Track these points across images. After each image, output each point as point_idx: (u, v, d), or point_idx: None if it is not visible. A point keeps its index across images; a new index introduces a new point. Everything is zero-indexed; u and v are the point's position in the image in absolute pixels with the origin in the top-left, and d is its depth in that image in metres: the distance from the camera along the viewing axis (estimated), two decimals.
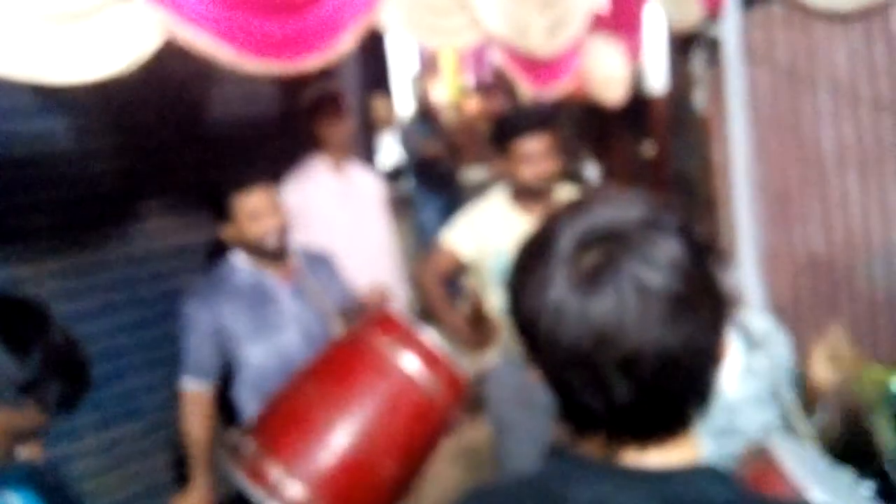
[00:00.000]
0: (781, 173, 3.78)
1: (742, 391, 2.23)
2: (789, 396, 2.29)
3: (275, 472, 2.06)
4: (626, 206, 0.86)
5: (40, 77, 1.65)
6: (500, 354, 2.95)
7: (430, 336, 2.23)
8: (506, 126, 2.81)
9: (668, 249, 0.82)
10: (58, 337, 1.36)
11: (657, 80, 5.25)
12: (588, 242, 0.84)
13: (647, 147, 5.78)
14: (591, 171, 6.47)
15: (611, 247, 0.83)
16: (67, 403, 1.37)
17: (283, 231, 2.51)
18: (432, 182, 5.72)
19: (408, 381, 2.17)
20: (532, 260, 0.88)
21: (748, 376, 2.25)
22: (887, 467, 2.92)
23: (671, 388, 0.83)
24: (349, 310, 2.68)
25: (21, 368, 1.29)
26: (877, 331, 3.49)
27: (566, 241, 0.85)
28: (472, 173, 6.09)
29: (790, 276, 3.72)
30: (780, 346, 2.35)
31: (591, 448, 0.89)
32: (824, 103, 3.60)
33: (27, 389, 1.30)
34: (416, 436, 2.19)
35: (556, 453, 0.95)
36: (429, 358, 2.19)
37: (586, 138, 6.52)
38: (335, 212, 3.38)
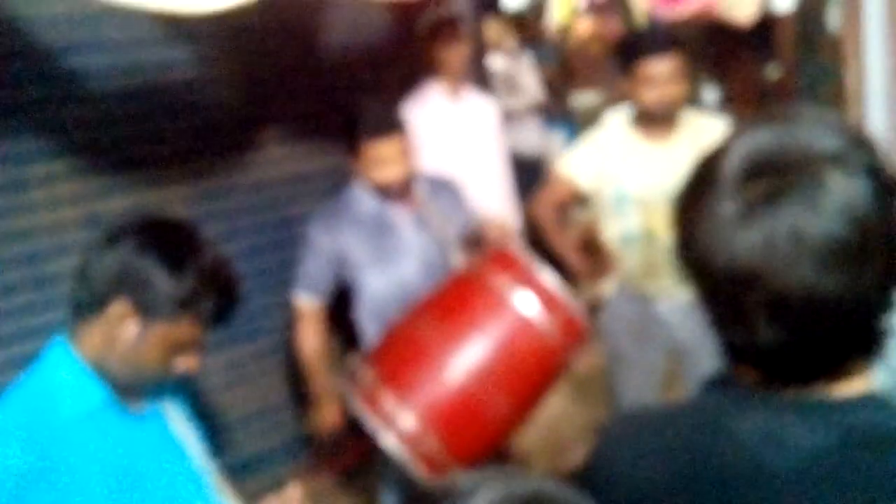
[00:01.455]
0: None
1: None
2: None
3: (389, 402, 2.11)
4: (814, 132, 0.79)
5: (168, 6, 1.67)
6: (616, 286, 2.90)
7: (550, 277, 2.21)
8: (633, 46, 2.69)
9: (843, 192, 0.76)
10: (209, 254, 1.42)
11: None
12: (757, 171, 0.79)
13: (771, 69, 5.48)
14: (711, 94, 6.20)
15: (778, 181, 0.77)
16: (221, 317, 1.44)
17: (408, 178, 2.48)
18: (552, 107, 5.58)
19: (525, 322, 2.16)
20: (698, 180, 0.84)
21: None
22: None
23: (824, 335, 0.78)
24: (471, 239, 2.67)
25: (178, 284, 1.36)
26: None
27: (735, 163, 0.80)
28: (584, 98, 5.93)
29: None
30: None
31: (749, 380, 0.86)
32: None
33: (184, 304, 1.37)
34: (529, 377, 2.19)
35: (716, 384, 0.91)
36: (547, 300, 2.18)
37: (706, 60, 6.23)
38: (451, 137, 3.36)
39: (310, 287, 2.59)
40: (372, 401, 2.14)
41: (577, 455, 3.27)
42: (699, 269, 0.83)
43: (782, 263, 0.76)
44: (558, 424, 3.58)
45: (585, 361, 3.12)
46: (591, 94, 5.86)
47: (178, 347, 1.40)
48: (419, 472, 2.10)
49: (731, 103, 6.01)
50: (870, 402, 0.82)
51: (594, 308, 3.00)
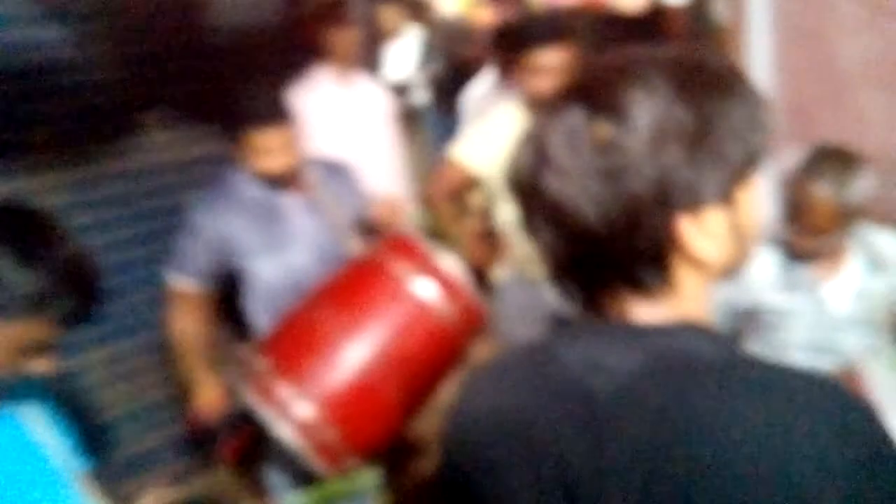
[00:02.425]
0: (801, 89, 3.65)
1: (850, 311, 2.12)
2: None
3: (284, 390, 2.05)
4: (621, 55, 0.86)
5: None
6: (508, 271, 2.91)
7: (449, 262, 2.18)
8: (517, 36, 2.69)
9: (633, 100, 0.80)
10: (68, 249, 1.31)
11: None
12: (566, 95, 0.84)
13: None
14: None
15: (578, 101, 0.83)
16: (78, 317, 1.33)
17: (292, 167, 2.41)
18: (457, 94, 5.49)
19: (423, 308, 2.14)
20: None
21: (861, 298, 2.13)
22: None
23: (595, 247, 0.83)
24: (366, 224, 2.62)
25: (29, 280, 1.25)
26: None
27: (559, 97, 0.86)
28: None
29: None
30: None
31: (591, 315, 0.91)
32: (848, 15, 3.45)
33: (36, 303, 1.26)
34: (427, 363, 2.17)
35: (558, 321, 0.96)
36: (446, 286, 2.15)
37: (602, 51, 6.34)
38: (339, 123, 3.30)
39: (185, 268, 2.49)
40: (265, 391, 2.08)
41: None
42: (513, 192, 0.89)
43: (555, 170, 0.81)
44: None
45: (482, 348, 3.14)
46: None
47: (30, 349, 1.30)
48: (316, 461, 2.06)
49: None
50: (683, 329, 0.85)
51: (488, 294, 3.00)
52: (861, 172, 2.00)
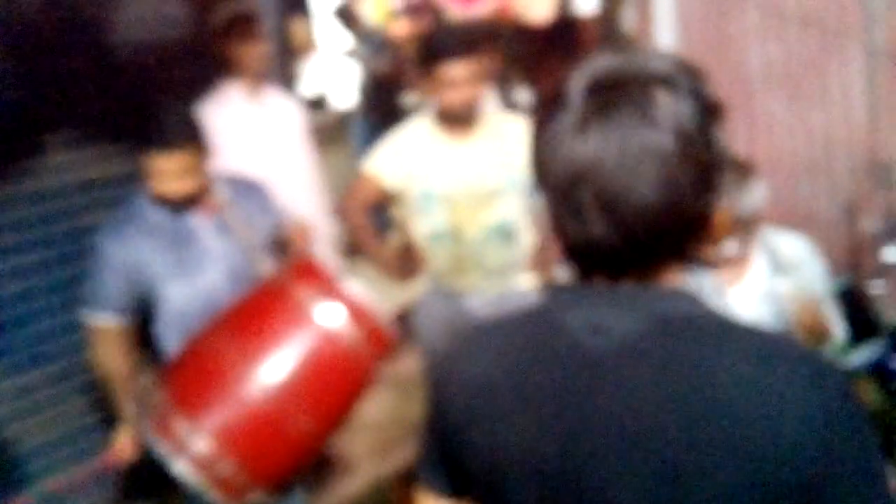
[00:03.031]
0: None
1: (757, 314, 2.15)
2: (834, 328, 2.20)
3: (182, 426, 2.01)
4: (648, 59, 0.92)
5: None
6: (428, 284, 2.90)
7: (355, 287, 2.16)
8: (430, 49, 2.70)
9: (669, 108, 0.88)
10: None
11: (586, 1, 5.14)
12: (596, 88, 0.90)
13: None
14: (523, 96, 6.38)
15: (613, 96, 0.89)
16: None
17: (196, 191, 2.32)
18: (382, 106, 5.45)
19: (328, 334, 2.11)
20: (548, 100, 0.95)
21: (768, 300, 2.16)
22: None
23: (644, 232, 0.89)
24: (281, 244, 2.57)
25: None
26: None
27: (578, 83, 0.91)
28: (409, 99, 5.90)
29: None
30: (811, 274, 2.20)
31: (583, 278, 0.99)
32: (752, 21, 3.56)
33: None
34: (334, 390, 2.15)
35: (553, 286, 1.03)
36: (352, 311, 2.12)
37: (517, 63, 6.40)
38: (250, 140, 3.24)
39: (101, 304, 2.38)
40: (162, 425, 2.03)
41: (403, 456, 3.25)
42: (542, 173, 0.94)
43: (612, 165, 0.87)
44: (384, 427, 3.55)
45: (405, 362, 3.12)
46: (409, 95, 5.85)
47: None
48: (215, 495, 2.02)
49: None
50: (680, 295, 0.94)
51: (411, 308, 2.98)
52: (752, 182, 2.06)
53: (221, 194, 2.44)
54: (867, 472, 0.87)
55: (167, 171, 2.25)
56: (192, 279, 2.38)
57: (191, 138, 2.28)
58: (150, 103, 2.43)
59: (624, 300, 0.94)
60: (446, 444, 1.06)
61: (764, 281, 2.18)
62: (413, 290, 3.00)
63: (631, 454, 0.88)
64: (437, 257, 2.78)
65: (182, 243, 2.39)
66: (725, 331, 0.92)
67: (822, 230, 3.17)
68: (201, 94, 3.25)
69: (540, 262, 2.80)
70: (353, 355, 2.13)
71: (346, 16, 5.73)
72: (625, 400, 0.90)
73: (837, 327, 2.24)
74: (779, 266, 2.19)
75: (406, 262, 2.82)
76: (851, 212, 3.39)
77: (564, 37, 5.50)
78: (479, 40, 2.81)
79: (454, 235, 2.73)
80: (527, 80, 6.37)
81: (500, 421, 0.97)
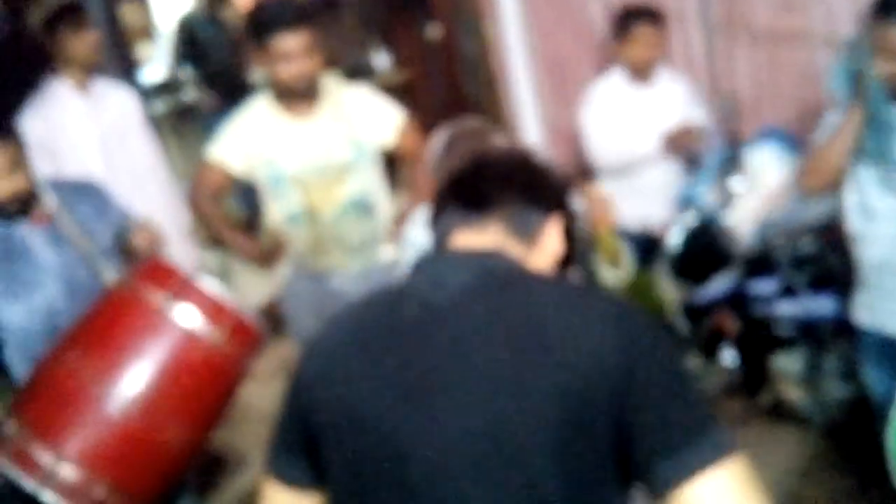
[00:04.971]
0: (556, 45, 3.78)
1: None
2: None
3: (44, 456, 1.89)
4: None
5: None
6: (291, 267, 2.83)
7: (210, 284, 2.07)
8: (259, 22, 2.59)
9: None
10: None
11: None
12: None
13: (432, 30, 5.65)
14: (382, 60, 6.30)
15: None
16: None
17: (16, 195, 2.16)
18: (226, 90, 5.26)
19: (189, 336, 2.01)
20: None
21: None
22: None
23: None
24: (126, 248, 2.42)
25: None
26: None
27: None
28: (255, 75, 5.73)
29: (570, 146, 3.77)
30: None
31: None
32: (595, 12, 3.57)
33: None
34: (204, 391, 2.06)
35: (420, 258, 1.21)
36: (211, 309, 2.03)
37: (373, 27, 6.30)
38: (85, 136, 3.06)
39: None
40: (23, 458, 1.90)
41: None
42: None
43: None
44: (271, 416, 3.48)
45: (279, 349, 3.06)
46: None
47: None
48: None
49: (401, 66, 6.14)
50: (497, 253, 1.15)
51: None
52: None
53: (50, 202, 2.28)
54: (667, 386, 1.03)
55: None
56: (28, 297, 2.22)
57: (7, 133, 2.13)
58: None
59: (458, 258, 1.15)
60: (299, 422, 1.17)
61: None
62: (279, 276, 2.92)
63: (467, 382, 1.04)
64: (296, 239, 2.71)
65: (13, 259, 2.22)
66: (540, 280, 1.16)
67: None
68: (24, 93, 3.04)
69: (400, 232, 2.77)
70: (217, 353, 2.05)
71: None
72: (462, 337, 1.06)
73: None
74: None
75: (265, 248, 2.75)
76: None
77: None
78: (308, 11, 2.72)
79: (310, 215, 2.67)
80: (384, 43, 6.30)
81: (347, 382, 1.11)
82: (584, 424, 1.00)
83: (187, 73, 5.32)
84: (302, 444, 1.17)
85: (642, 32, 3.10)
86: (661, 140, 3.06)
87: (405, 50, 6.10)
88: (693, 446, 0.99)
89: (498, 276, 1.11)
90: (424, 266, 1.17)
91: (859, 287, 2.29)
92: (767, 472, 1.37)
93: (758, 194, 2.89)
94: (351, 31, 6.18)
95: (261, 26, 2.54)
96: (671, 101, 3.20)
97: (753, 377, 2.95)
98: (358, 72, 5.56)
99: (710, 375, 3.02)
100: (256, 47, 2.56)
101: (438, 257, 1.18)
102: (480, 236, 1.17)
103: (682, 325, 3.04)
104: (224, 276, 3.74)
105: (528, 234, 1.19)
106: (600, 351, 1.01)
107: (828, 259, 2.76)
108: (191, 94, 5.57)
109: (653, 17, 3.11)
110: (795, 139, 2.92)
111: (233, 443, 3.27)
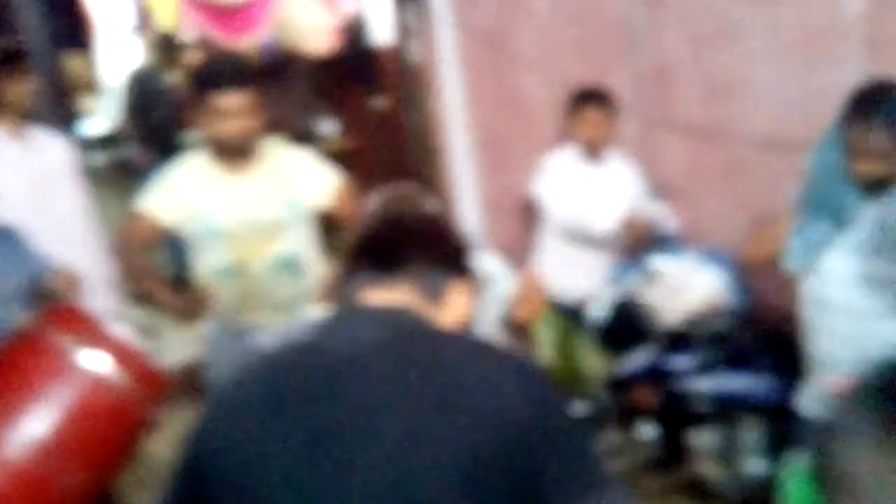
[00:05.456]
0: (494, 120, 3.88)
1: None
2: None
3: None
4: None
5: None
6: (216, 322, 2.80)
7: (120, 330, 2.05)
8: (202, 79, 2.63)
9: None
10: None
11: (381, 32, 5.22)
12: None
13: (379, 101, 5.76)
14: (329, 127, 6.37)
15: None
16: None
17: None
18: (160, 147, 5.27)
19: (95, 382, 1.99)
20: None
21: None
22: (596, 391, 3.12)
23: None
24: (40, 294, 2.39)
25: None
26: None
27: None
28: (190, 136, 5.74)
29: (508, 218, 3.85)
30: (504, 282, 2.31)
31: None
32: (530, 54, 3.71)
33: None
34: (107, 437, 2.03)
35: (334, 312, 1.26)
36: (119, 355, 2.02)
37: (322, 95, 6.39)
38: (15, 183, 3.02)
39: None
40: None
41: None
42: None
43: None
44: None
45: (191, 404, 2.99)
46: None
47: None
48: None
49: (348, 134, 6.22)
50: (407, 310, 1.19)
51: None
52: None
53: None
54: (571, 439, 1.09)
55: None
56: None
57: None
58: None
59: (371, 315, 1.18)
60: (193, 483, 1.14)
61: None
62: (202, 330, 2.89)
63: (377, 438, 1.05)
64: (224, 294, 2.69)
65: None
66: (445, 335, 1.20)
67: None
68: None
69: (329, 292, 2.78)
70: (122, 399, 2.02)
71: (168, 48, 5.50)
72: (371, 393, 1.08)
73: None
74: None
75: (191, 302, 2.72)
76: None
77: (363, 68, 5.56)
78: (253, 72, 2.76)
79: (238, 270, 2.66)
80: (331, 111, 6.38)
81: (250, 442, 1.09)
82: (493, 478, 1.01)
83: (129, 127, 5.32)
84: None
85: (593, 114, 3.24)
86: (620, 225, 3.16)
87: (352, 118, 6.19)
88: (594, 499, 1.06)
89: (407, 331, 1.15)
90: (334, 321, 1.20)
91: (808, 378, 2.27)
92: None
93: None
94: (299, 97, 6.26)
95: (205, 82, 2.57)
96: (621, 182, 3.33)
97: (671, 452, 2.99)
98: (304, 137, 5.61)
99: (629, 449, 3.05)
100: (200, 103, 2.59)
101: (349, 313, 1.21)
102: (390, 294, 1.21)
103: (605, 396, 3.08)
104: (149, 333, 3.68)
105: (435, 294, 1.23)
106: (509, 406, 1.04)
107: (744, 338, 2.85)
108: (132, 148, 5.55)
109: (602, 100, 3.25)
110: (731, 262, 2.97)
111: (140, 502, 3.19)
